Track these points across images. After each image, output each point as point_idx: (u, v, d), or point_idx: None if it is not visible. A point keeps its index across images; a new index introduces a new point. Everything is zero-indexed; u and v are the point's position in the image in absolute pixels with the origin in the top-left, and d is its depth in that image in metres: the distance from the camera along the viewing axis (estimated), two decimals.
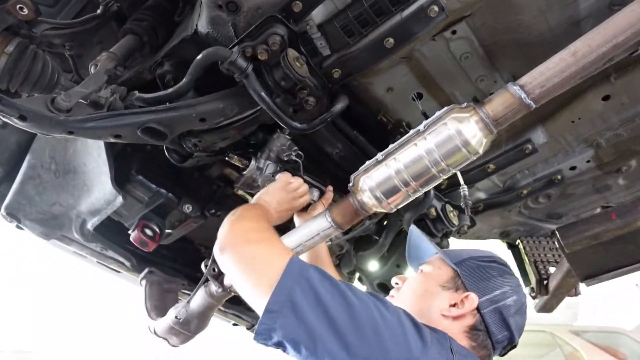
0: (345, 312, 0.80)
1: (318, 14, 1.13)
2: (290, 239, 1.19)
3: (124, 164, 1.39)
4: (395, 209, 1.10)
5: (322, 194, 1.45)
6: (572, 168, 1.51)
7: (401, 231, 1.83)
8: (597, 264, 1.37)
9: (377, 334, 0.78)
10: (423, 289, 1.05)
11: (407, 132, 1.51)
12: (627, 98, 1.29)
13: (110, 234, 1.58)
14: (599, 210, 1.33)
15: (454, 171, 1.03)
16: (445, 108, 1.01)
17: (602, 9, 1.12)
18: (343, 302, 0.81)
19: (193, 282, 1.73)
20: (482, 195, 1.62)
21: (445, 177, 1.05)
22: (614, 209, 1.26)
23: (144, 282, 1.60)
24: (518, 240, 1.77)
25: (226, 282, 1.30)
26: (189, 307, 1.33)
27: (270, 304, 0.81)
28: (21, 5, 0.95)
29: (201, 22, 1.16)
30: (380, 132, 1.52)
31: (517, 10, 1.16)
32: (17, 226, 1.54)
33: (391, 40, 1.11)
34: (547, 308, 1.71)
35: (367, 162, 1.11)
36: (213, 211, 1.49)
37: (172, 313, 1.39)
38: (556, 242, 1.32)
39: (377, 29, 1.12)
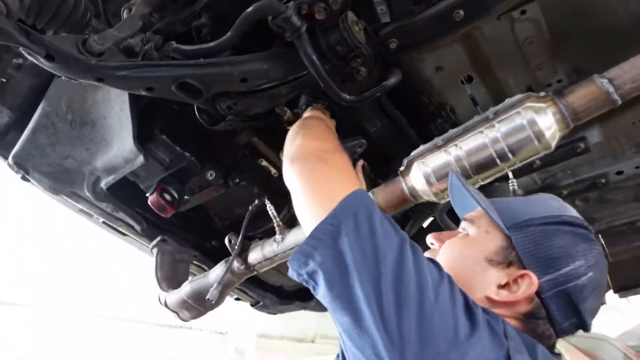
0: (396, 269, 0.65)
1: None
2: None
3: (148, 122, 1.28)
4: (447, 200, 1.01)
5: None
6: (619, 173, 1.43)
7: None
8: (634, 277, 1.31)
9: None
10: (463, 260, 0.82)
11: (449, 116, 1.45)
12: None
13: (121, 195, 1.48)
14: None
15: (519, 165, 0.94)
16: (520, 95, 0.91)
17: None
18: (398, 256, 0.66)
19: (203, 254, 1.65)
20: (519, 192, 1.54)
21: (508, 170, 0.96)
22: None
23: (155, 250, 1.51)
24: None
25: (250, 259, 1.22)
26: (211, 282, 1.24)
27: (317, 230, 0.70)
28: None
29: None
30: (420, 113, 1.43)
31: None
32: (23, 177, 1.43)
33: (461, 12, 1.00)
34: None
35: (422, 146, 1.02)
36: (237, 180, 1.39)
37: (187, 287, 1.31)
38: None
39: None
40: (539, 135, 0.89)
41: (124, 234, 1.70)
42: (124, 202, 1.48)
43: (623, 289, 1.35)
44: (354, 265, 0.65)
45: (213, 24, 1.16)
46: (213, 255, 1.65)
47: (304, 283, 0.70)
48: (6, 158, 1.44)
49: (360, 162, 1.36)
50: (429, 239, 0.93)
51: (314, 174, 0.82)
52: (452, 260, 0.83)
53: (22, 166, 1.36)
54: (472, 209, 0.88)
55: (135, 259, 2.37)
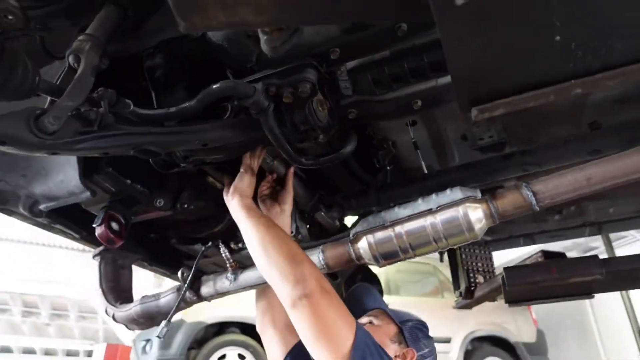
0: None
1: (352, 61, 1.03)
2: None
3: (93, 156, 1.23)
4: (383, 267, 1.16)
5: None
6: None
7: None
8: (526, 297, 1.60)
9: None
10: (377, 339, 1.12)
11: (390, 150, 1.55)
12: None
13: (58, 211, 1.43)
14: (541, 259, 1.51)
15: (451, 247, 1.10)
16: (460, 194, 1.04)
17: None
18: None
19: (147, 251, 1.67)
20: None
21: (439, 250, 1.11)
22: (556, 264, 1.46)
23: (97, 258, 1.51)
24: (457, 246, 1.96)
25: (202, 292, 1.30)
26: (161, 306, 1.31)
27: None
28: (7, 14, 0.73)
29: (216, 33, 1.00)
30: (364, 144, 1.51)
31: None
32: None
33: (419, 102, 1.07)
34: (466, 306, 1.98)
35: (371, 218, 1.12)
36: (185, 205, 1.41)
37: (137, 307, 1.37)
38: (501, 280, 1.50)
39: (409, 87, 1.06)
40: (470, 228, 1.04)
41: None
42: (61, 217, 1.43)
43: (515, 303, 1.65)
44: None
45: (168, 65, 1.11)
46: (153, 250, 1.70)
47: None
48: None
49: (291, 170, 1.41)
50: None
51: (314, 318, 1.00)
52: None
53: None
54: (368, 306, 1.34)
55: None
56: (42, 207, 1.29)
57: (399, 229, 1.08)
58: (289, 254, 1.06)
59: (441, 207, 1.05)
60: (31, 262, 7.70)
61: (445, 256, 2.08)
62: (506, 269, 1.51)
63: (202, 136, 1.03)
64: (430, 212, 1.05)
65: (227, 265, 1.27)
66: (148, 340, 4.70)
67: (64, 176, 1.20)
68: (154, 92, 1.09)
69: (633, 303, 6.39)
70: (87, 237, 1.54)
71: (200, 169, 1.40)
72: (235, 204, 1.16)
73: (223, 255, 1.26)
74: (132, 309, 1.40)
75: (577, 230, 1.87)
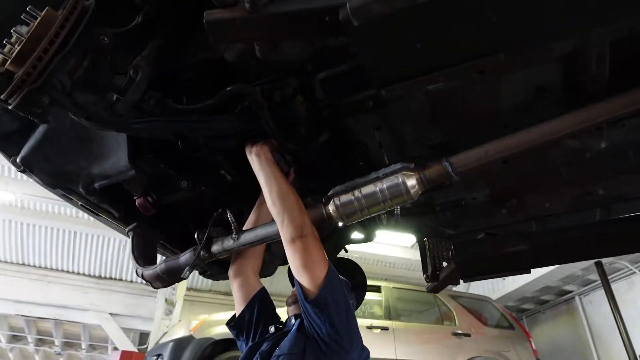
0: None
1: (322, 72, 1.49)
2: (267, 230, 1.61)
3: (138, 143, 1.68)
4: (348, 224, 1.56)
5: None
6: (473, 198, 2.07)
7: None
8: (474, 270, 1.97)
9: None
10: None
11: (362, 150, 1.97)
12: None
13: (106, 190, 1.87)
14: (482, 235, 1.90)
15: (394, 207, 1.50)
16: (399, 166, 1.46)
17: None
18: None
19: (168, 237, 2.09)
20: (408, 205, 2.14)
21: (388, 209, 1.52)
22: (490, 238, 1.83)
23: (130, 233, 1.93)
24: (425, 238, 2.34)
25: (213, 249, 1.70)
26: (183, 264, 1.71)
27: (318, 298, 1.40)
28: (104, 37, 1.21)
29: (230, 54, 1.47)
30: (341, 145, 1.95)
31: None
32: (23, 171, 1.77)
33: (370, 103, 1.52)
34: (434, 290, 2.33)
35: (338, 187, 1.54)
36: (203, 188, 1.85)
37: (162, 265, 1.77)
38: (450, 255, 1.88)
39: (363, 92, 1.51)
40: (407, 191, 1.45)
41: (98, 215, 2.09)
42: (107, 196, 1.87)
43: (467, 277, 2.01)
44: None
45: (197, 78, 1.57)
46: (174, 236, 2.12)
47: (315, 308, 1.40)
48: (7, 154, 1.77)
49: (292, 175, 1.85)
50: None
51: (305, 253, 1.44)
52: None
53: (28, 166, 1.70)
54: None
55: None
56: (96, 185, 1.73)
57: (357, 193, 1.49)
58: (297, 204, 1.50)
59: (385, 175, 1.46)
60: (48, 288, 8.06)
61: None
62: (454, 244, 1.89)
63: (219, 125, 1.48)
64: (378, 178, 1.47)
65: (232, 227, 1.68)
66: (159, 355, 4.99)
67: (116, 158, 1.65)
68: (185, 93, 1.55)
69: (631, 336, 6.50)
70: (123, 216, 1.98)
71: (215, 160, 1.85)
72: (262, 157, 1.58)
73: (229, 219, 1.68)
74: (157, 267, 1.80)
75: (525, 224, 2.24)
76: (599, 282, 6.89)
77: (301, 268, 1.43)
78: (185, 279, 1.72)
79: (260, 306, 1.73)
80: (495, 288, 8.43)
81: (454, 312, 6.64)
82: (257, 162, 1.59)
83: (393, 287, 6.79)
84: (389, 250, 8.58)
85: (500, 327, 6.76)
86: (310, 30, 1.06)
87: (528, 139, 1.38)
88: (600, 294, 7.08)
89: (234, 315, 1.76)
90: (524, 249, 1.75)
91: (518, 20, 0.97)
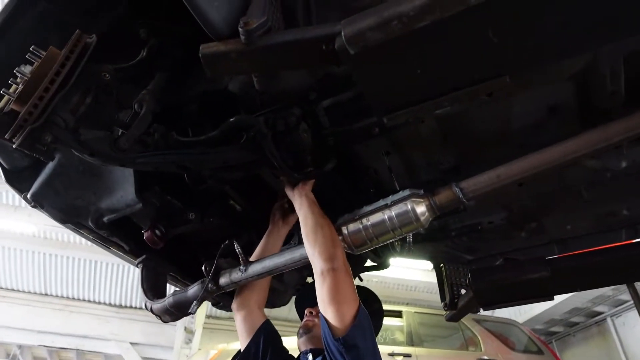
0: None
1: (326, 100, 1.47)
2: (275, 262, 1.58)
3: (144, 176, 1.68)
4: (358, 253, 1.51)
5: None
6: (490, 222, 2.00)
7: None
8: (493, 298, 1.88)
9: None
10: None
11: (372, 176, 1.94)
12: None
13: (115, 224, 1.86)
14: (500, 260, 1.82)
15: (405, 235, 1.45)
16: (408, 192, 1.41)
17: None
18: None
19: (178, 268, 2.07)
20: (421, 231, 2.08)
21: (399, 237, 1.46)
22: (509, 264, 1.76)
23: (140, 265, 1.92)
24: (442, 265, 2.26)
25: (220, 282, 1.67)
26: (191, 297, 1.68)
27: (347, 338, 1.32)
28: (106, 73, 1.22)
29: (234, 85, 1.47)
30: (351, 171, 1.92)
31: None
32: (34, 206, 1.78)
33: (377, 129, 1.49)
34: (453, 319, 2.23)
35: (346, 216, 1.49)
36: (211, 219, 1.83)
37: (170, 298, 1.74)
38: (467, 282, 1.80)
39: (368, 119, 1.48)
40: (417, 219, 1.40)
41: (108, 248, 2.09)
42: (117, 229, 1.87)
43: (487, 305, 1.92)
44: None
45: (200, 110, 1.57)
46: (184, 267, 2.09)
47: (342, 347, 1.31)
48: (19, 190, 1.78)
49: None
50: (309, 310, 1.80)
51: (334, 287, 1.37)
52: None
53: (39, 202, 1.71)
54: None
55: None
56: (105, 219, 1.73)
57: (365, 221, 1.45)
58: (331, 237, 1.44)
59: (394, 202, 1.42)
60: (70, 318, 8.12)
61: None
62: (470, 270, 1.81)
63: (223, 156, 1.46)
64: (386, 206, 1.42)
65: (240, 259, 1.64)
66: None
67: (123, 192, 1.65)
68: (189, 125, 1.54)
69: None
70: (133, 249, 1.97)
71: (223, 191, 1.83)
72: (303, 198, 1.57)
73: (237, 250, 1.64)
74: (165, 301, 1.77)
75: (546, 247, 2.15)
76: (632, 302, 6.58)
77: (328, 302, 1.35)
78: (192, 313, 1.68)
79: (265, 339, 1.67)
80: (522, 311, 8.13)
81: (479, 337, 6.40)
82: (299, 202, 1.58)
83: (415, 312, 6.60)
84: (410, 273, 8.39)
85: (529, 352, 6.47)
86: (307, 60, 1.04)
87: (542, 161, 1.33)
88: (634, 314, 6.75)
89: (239, 350, 1.71)
90: (545, 275, 1.66)
91: (520, 40, 0.93)
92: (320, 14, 1.23)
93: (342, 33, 0.90)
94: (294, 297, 2.34)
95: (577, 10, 0.85)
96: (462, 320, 6.46)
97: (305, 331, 1.76)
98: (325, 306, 1.36)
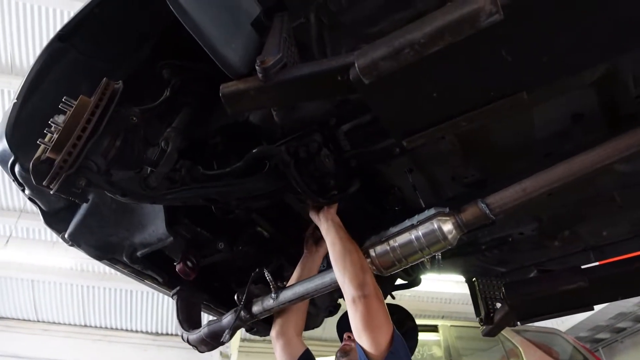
0: None
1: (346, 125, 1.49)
2: (306, 287, 1.59)
3: (174, 210, 1.73)
4: (387, 275, 1.51)
5: None
6: (520, 233, 1.96)
7: None
8: (529, 311, 1.84)
9: None
10: None
11: (396, 194, 1.93)
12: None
13: (148, 257, 1.91)
14: (535, 272, 1.77)
15: (434, 254, 1.44)
16: (433, 211, 1.41)
17: None
18: None
19: (211, 296, 2.10)
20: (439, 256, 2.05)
21: (428, 257, 1.45)
22: (544, 276, 1.71)
23: (175, 297, 1.96)
24: (474, 279, 2.22)
25: (253, 310, 1.69)
26: (225, 326, 1.70)
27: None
28: (133, 116, 1.27)
29: (255, 116, 1.51)
30: (375, 190, 1.92)
31: None
32: (72, 245, 1.86)
33: (397, 149, 1.50)
34: (490, 334, 2.18)
35: (373, 238, 1.50)
36: (240, 248, 1.86)
37: (205, 329, 1.76)
38: (502, 295, 1.76)
39: (388, 140, 1.49)
40: (444, 237, 1.39)
41: (142, 280, 2.14)
42: (150, 263, 1.92)
43: (524, 318, 1.87)
44: None
45: (225, 142, 1.62)
46: (217, 295, 2.12)
47: None
48: (57, 230, 1.86)
49: None
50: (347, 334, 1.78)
51: (367, 314, 1.37)
52: None
53: (76, 241, 1.78)
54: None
55: None
56: (138, 253, 1.78)
57: (392, 242, 1.44)
58: (360, 263, 1.45)
59: (420, 222, 1.41)
60: (109, 348, 8.26)
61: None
62: (504, 285, 1.78)
63: (248, 186, 1.50)
64: (412, 226, 1.42)
65: (271, 287, 1.66)
66: None
67: (154, 227, 1.70)
68: (213, 157, 1.59)
69: None
70: (167, 281, 2.01)
71: (250, 219, 1.87)
72: (329, 222, 1.58)
73: (267, 278, 1.66)
74: (201, 331, 1.79)
75: (581, 255, 2.09)
76: None
77: (362, 329, 1.35)
78: (226, 342, 1.70)
79: None
80: (564, 318, 7.83)
81: (521, 349, 6.18)
82: (325, 226, 1.59)
83: (451, 326, 6.44)
84: (444, 285, 8.21)
85: None
86: (323, 92, 1.07)
87: (569, 171, 1.31)
88: None
89: None
90: (583, 285, 1.62)
91: (534, 56, 0.93)
92: (334, 43, 1.27)
93: (356, 64, 0.92)
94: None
95: (589, 24, 0.84)
96: (501, 332, 6.32)
97: (343, 354, 1.76)
98: (359, 334, 1.36)
